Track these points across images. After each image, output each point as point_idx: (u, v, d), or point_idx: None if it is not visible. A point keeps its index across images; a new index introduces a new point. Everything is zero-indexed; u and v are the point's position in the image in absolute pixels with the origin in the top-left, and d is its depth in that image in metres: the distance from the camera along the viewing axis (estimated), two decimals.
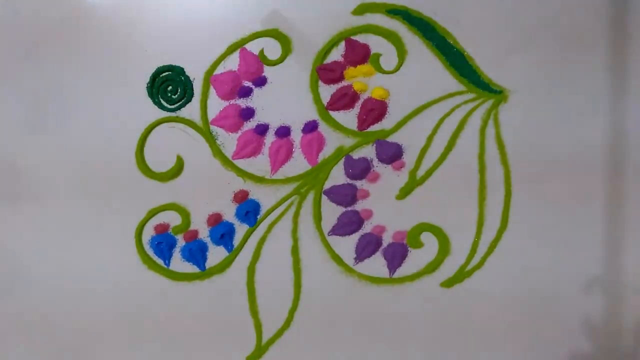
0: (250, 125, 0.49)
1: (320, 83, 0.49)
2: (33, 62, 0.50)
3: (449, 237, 0.47)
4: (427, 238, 0.47)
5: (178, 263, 0.48)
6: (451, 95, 0.48)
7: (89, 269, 0.48)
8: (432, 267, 0.47)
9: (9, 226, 0.49)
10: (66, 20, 0.50)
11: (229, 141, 0.49)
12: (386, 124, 0.49)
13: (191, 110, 0.49)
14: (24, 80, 0.50)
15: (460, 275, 0.47)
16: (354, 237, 0.48)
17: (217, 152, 0.49)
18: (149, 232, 0.48)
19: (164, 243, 0.48)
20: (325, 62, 0.49)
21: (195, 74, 0.49)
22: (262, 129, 0.49)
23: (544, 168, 0.47)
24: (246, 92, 0.49)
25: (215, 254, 0.48)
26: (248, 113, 0.49)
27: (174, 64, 0.49)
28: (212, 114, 0.49)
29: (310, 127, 0.49)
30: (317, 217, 0.48)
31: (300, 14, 0.49)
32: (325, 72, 0.49)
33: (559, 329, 0.46)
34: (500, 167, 0.47)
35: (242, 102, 0.49)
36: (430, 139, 0.48)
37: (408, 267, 0.47)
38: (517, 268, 0.46)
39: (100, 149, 0.49)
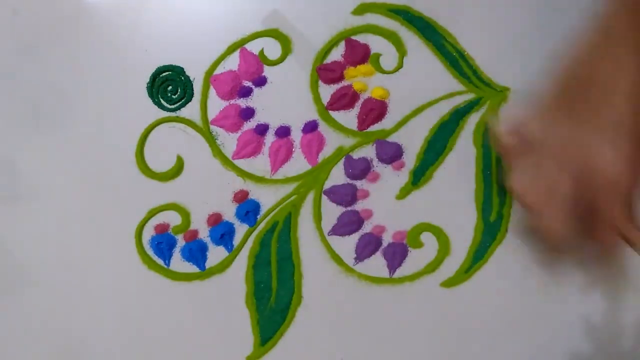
0: (250, 125, 0.49)
1: (320, 83, 0.49)
2: (33, 62, 0.50)
3: (449, 237, 0.47)
4: (427, 238, 0.47)
5: (178, 263, 0.48)
6: (451, 95, 0.48)
7: (89, 269, 0.48)
8: (432, 267, 0.47)
9: (9, 226, 0.49)
10: (66, 20, 0.50)
11: (229, 141, 0.49)
12: (386, 123, 0.49)
13: (191, 110, 0.49)
14: (24, 80, 0.50)
15: (461, 276, 0.47)
16: (354, 237, 0.48)
17: (217, 152, 0.49)
18: (149, 232, 0.48)
19: (164, 243, 0.48)
20: (325, 62, 0.49)
21: (195, 74, 0.49)
22: (262, 129, 0.49)
23: None
24: (246, 92, 0.49)
25: (215, 254, 0.48)
26: (248, 113, 0.49)
27: (174, 64, 0.49)
28: (212, 114, 0.49)
29: (310, 127, 0.49)
30: (317, 217, 0.48)
31: (300, 14, 0.49)
32: (325, 72, 0.49)
33: (559, 329, 0.46)
34: (500, 166, 0.47)
35: (242, 102, 0.49)
36: (429, 138, 0.48)
37: (408, 267, 0.47)
38: (517, 268, 0.46)
39: (100, 149, 0.49)
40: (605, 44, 0.39)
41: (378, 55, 0.49)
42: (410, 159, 0.48)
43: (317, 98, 0.49)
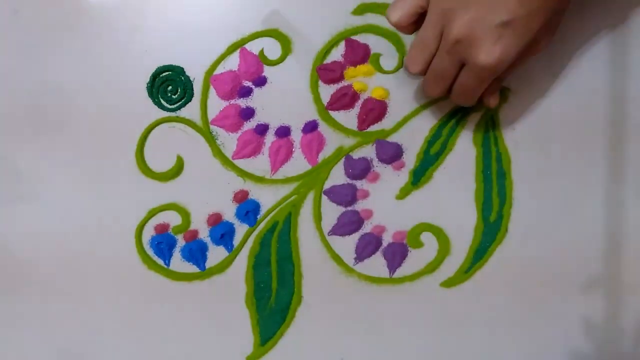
0: (250, 125, 0.49)
1: (320, 83, 0.49)
2: (33, 62, 0.50)
3: (449, 237, 0.47)
4: (427, 238, 0.47)
5: (178, 263, 0.48)
6: None
7: (89, 269, 0.48)
8: (432, 267, 0.47)
9: (9, 226, 0.49)
10: (66, 20, 0.50)
11: (229, 141, 0.49)
12: (386, 123, 0.49)
13: (191, 110, 0.49)
14: (24, 80, 0.50)
15: (461, 276, 0.47)
16: (354, 237, 0.48)
17: (217, 152, 0.49)
18: (149, 232, 0.48)
19: (164, 243, 0.48)
20: (325, 62, 0.49)
21: (195, 73, 0.49)
22: (262, 129, 0.49)
23: (544, 167, 0.47)
24: (246, 92, 0.49)
25: (215, 254, 0.48)
26: (248, 113, 0.49)
27: (174, 64, 0.49)
28: (212, 114, 0.49)
29: (310, 127, 0.49)
30: (317, 217, 0.48)
31: (300, 14, 0.49)
32: (325, 72, 0.49)
33: (559, 329, 0.46)
34: (500, 166, 0.47)
35: (242, 102, 0.49)
36: (429, 138, 0.48)
37: (408, 267, 0.47)
38: (517, 268, 0.46)
39: (100, 149, 0.49)
40: None
41: (378, 55, 0.49)
42: (410, 159, 0.48)
43: (317, 98, 0.49)
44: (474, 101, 0.44)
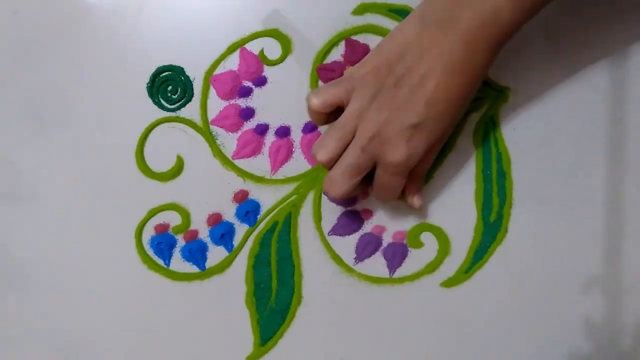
0: (250, 125, 0.49)
1: (320, 83, 0.49)
2: (33, 62, 0.50)
3: (449, 237, 0.47)
4: (427, 238, 0.47)
5: (178, 263, 0.48)
6: None
7: (89, 269, 0.48)
8: (432, 267, 0.47)
9: (9, 226, 0.49)
10: (66, 20, 0.50)
11: (229, 141, 0.49)
12: None
13: (191, 110, 0.49)
14: (24, 80, 0.50)
15: (460, 276, 0.47)
16: (354, 237, 0.48)
17: (217, 152, 0.49)
18: (149, 232, 0.48)
19: (163, 243, 0.48)
20: (325, 62, 0.49)
21: (195, 74, 0.49)
22: (262, 129, 0.49)
23: (544, 167, 0.47)
24: (246, 92, 0.49)
25: (215, 254, 0.48)
26: (248, 113, 0.49)
27: (174, 64, 0.49)
28: (212, 114, 0.49)
29: (310, 127, 0.49)
30: (317, 217, 0.48)
31: (300, 14, 0.49)
32: (325, 72, 0.49)
33: (559, 329, 0.46)
34: (500, 166, 0.47)
35: (242, 102, 0.49)
36: None
37: (408, 267, 0.47)
38: (517, 268, 0.46)
39: (100, 149, 0.49)
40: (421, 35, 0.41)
41: None
42: None
43: None
44: (396, 196, 0.44)
